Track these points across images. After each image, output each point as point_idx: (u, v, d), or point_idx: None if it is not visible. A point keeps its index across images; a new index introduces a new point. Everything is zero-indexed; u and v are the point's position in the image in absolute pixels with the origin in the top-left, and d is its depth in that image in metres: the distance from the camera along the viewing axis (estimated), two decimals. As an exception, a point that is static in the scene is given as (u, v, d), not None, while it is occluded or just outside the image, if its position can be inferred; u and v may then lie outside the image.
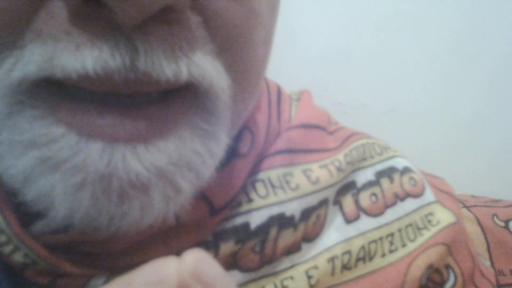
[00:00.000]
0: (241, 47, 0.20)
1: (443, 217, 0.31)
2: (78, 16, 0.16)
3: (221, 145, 0.20)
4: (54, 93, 0.17)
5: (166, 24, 0.17)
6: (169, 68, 0.17)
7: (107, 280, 0.23)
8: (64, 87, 0.17)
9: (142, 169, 0.17)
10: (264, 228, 0.25)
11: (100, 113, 0.17)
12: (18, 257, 0.22)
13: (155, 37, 0.16)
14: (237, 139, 0.26)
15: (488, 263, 0.36)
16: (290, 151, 0.28)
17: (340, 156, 0.30)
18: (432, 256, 0.29)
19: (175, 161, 0.18)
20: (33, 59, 0.16)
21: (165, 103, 0.18)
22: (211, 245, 0.24)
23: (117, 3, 0.15)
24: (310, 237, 0.27)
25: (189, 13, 0.17)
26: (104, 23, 0.16)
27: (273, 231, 0.26)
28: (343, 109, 0.67)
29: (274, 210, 0.26)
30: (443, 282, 0.29)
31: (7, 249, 0.23)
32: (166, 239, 0.24)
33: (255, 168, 0.27)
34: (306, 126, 0.30)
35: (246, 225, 0.25)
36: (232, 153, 0.25)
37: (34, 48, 0.16)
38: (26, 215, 0.22)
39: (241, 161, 0.26)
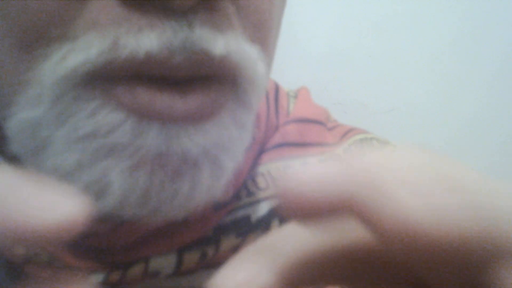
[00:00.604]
0: (266, 35, 0.21)
1: None
2: (132, 6, 0.16)
3: (249, 134, 0.22)
4: (111, 80, 0.17)
5: (210, 10, 0.18)
6: (221, 40, 0.17)
7: (107, 276, 0.23)
8: (119, 76, 0.17)
9: (193, 147, 0.18)
10: (265, 221, 0.25)
11: (160, 93, 0.17)
12: (20, 249, 0.22)
13: (204, 18, 0.17)
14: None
15: None
16: (289, 144, 0.28)
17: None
18: None
19: (217, 142, 0.19)
20: (92, 45, 0.16)
21: (213, 91, 0.19)
22: (212, 239, 0.24)
23: None
24: None
25: (226, 2, 0.18)
26: (160, 7, 0.17)
27: (275, 224, 0.25)
28: (343, 109, 0.67)
29: (275, 202, 0.25)
30: None
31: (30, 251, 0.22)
32: (169, 234, 0.24)
33: (255, 162, 0.27)
34: (305, 121, 0.30)
35: (246, 218, 0.25)
36: None
37: (92, 37, 0.16)
38: None
39: (245, 155, 0.26)
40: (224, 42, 0.18)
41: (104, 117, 0.17)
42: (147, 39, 0.16)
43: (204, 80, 0.18)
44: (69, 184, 0.16)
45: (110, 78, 0.17)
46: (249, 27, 0.20)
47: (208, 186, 0.19)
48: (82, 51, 0.16)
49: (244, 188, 0.26)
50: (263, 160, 0.27)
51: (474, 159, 0.69)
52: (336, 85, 0.67)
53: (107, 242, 0.23)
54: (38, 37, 0.17)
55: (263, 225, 0.25)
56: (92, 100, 0.17)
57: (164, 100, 0.17)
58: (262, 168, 0.27)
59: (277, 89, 0.32)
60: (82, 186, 0.18)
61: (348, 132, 0.32)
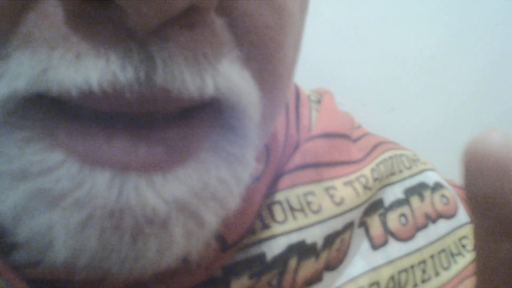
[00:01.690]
0: (271, 52, 0.17)
1: None
2: (78, 17, 0.13)
3: (248, 170, 0.18)
4: (50, 111, 0.14)
5: (188, 27, 0.13)
6: (192, 82, 0.14)
7: None
8: (62, 104, 0.14)
9: (160, 202, 0.14)
10: (282, 259, 0.22)
11: (107, 137, 0.14)
12: None
13: (175, 44, 0.13)
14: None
15: None
16: (311, 165, 0.25)
17: (367, 171, 0.26)
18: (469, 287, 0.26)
19: (198, 191, 0.15)
20: (21, 71, 0.13)
21: (185, 122, 0.15)
22: (220, 282, 0.21)
23: (131, 2, 0.12)
24: (332, 265, 0.24)
25: (214, 14, 0.14)
26: (111, 26, 0.13)
27: (293, 262, 0.22)
28: (343, 109, 0.66)
29: (294, 238, 0.22)
30: None
31: None
32: (168, 278, 0.20)
33: (272, 188, 0.24)
34: (329, 136, 0.26)
35: (261, 257, 0.22)
36: None
37: (23, 57, 0.13)
38: (5, 243, 0.18)
39: (256, 185, 0.22)
40: (199, 82, 0.14)
41: (37, 153, 0.14)
42: (84, 70, 0.12)
43: (172, 116, 0.15)
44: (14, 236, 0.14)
45: (47, 109, 0.14)
46: (246, 44, 0.16)
47: (181, 247, 0.16)
48: (11, 78, 0.13)
49: (259, 219, 0.22)
50: (281, 185, 0.24)
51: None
52: (336, 85, 0.66)
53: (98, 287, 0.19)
54: None
55: (280, 264, 0.22)
56: (24, 130, 0.14)
57: (114, 144, 0.14)
58: (280, 196, 0.23)
59: (297, 95, 0.28)
60: (26, 238, 0.15)
61: (376, 146, 0.29)
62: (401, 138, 0.66)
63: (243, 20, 0.15)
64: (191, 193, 0.15)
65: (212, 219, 0.16)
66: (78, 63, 0.13)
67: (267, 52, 0.16)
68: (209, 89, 0.14)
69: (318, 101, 0.30)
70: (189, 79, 0.13)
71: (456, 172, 0.67)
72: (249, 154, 0.17)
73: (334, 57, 0.66)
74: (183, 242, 0.15)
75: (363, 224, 0.26)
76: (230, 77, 0.15)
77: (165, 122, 0.15)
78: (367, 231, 0.26)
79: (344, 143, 0.27)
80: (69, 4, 0.13)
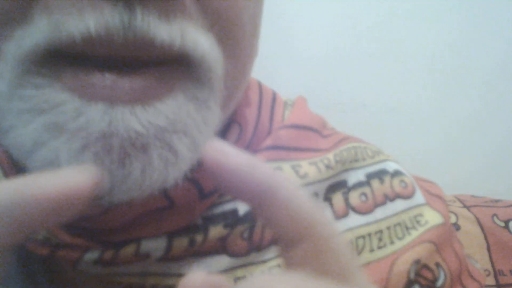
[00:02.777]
0: (231, 22, 0.21)
1: (432, 218, 0.32)
2: None
3: (215, 115, 0.21)
4: (60, 61, 0.18)
5: None
6: (164, 29, 0.18)
7: (101, 254, 0.24)
8: (68, 56, 0.18)
9: (141, 127, 0.18)
10: (252, 215, 0.26)
11: (101, 74, 0.18)
12: None
13: (151, 3, 0.18)
14: (224, 130, 0.27)
15: (478, 265, 0.36)
16: (280, 147, 0.29)
17: (330, 155, 0.30)
18: (419, 252, 0.29)
19: (171, 123, 0.19)
20: (40, 29, 0.17)
21: (160, 68, 0.19)
22: (201, 227, 0.25)
23: None
24: None
25: None
26: None
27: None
28: (343, 109, 0.67)
29: None
30: (435, 279, 0.30)
31: None
32: (157, 219, 0.24)
33: None
34: (298, 127, 0.30)
35: (234, 211, 0.26)
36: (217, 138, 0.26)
37: (41, 19, 0.17)
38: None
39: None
40: (169, 30, 0.18)
41: (48, 94, 0.18)
42: (84, 20, 0.17)
43: (150, 62, 0.19)
44: (30, 164, 0.19)
45: (57, 60, 0.18)
46: (209, 15, 0.20)
47: (161, 171, 0.19)
48: (33, 34, 0.17)
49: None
50: None
51: (473, 158, 0.69)
52: (336, 85, 0.67)
53: (99, 223, 0.24)
54: (1, 20, 0.18)
55: (250, 219, 0.26)
56: (41, 77, 0.18)
57: (107, 80, 0.18)
58: None
59: (274, 98, 0.33)
60: (37, 166, 0.18)
61: (342, 139, 0.33)
62: (401, 138, 0.66)
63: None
64: (166, 123, 0.19)
65: (184, 151, 0.20)
66: (80, 15, 0.17)
67: (227, 21, 0.21)
68: (177, 39, 0.18)
69: (292, 105, 0.34)
70: (161, 27, 0.18)
71: (456, 170, 0.67)
72: (214, 102, 0.21)
73: (334, 57, 0.66)
74: (161, 167, 0.19)
75: (327, 199, 0.30)
76: (195, 35, 0.19)
77: (145, 66, 0.19)
78: (331, 205, 0.30)
79: (313, 135, 0.31)
80: None
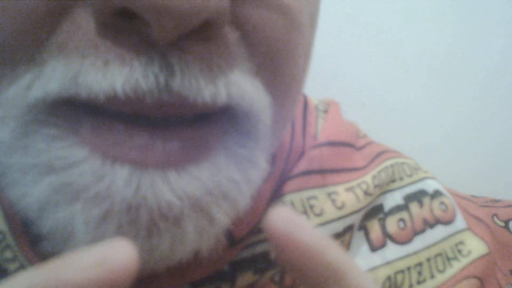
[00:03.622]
0: (282, 63, 0.18)
1: (475, 247, 0.29)
2: (107, 29, 0.14)
3: (259, 171, 0.19)
4: (76, 111, 0.15)
5: (203, 40, 0.15)
6: (207, 89, 0.15)
7: None
8: (87, 106, 0.15)
9: (174, 198, 0.15)
10: None
11: (128, 134, 0.15)
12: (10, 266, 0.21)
13: (191, 55, 0.15)
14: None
15: None
16: (315, 171, 0.26)
17: (368, 178, 0.27)
18: None
19: (209, 190, 0.16)
20: (55, 76, 0.14)
21: (199, 125, 0.16)
22: (227, 275, 0.23)
23: (154, 16, 0.13)
24: None
25: (227, 28, 0.16)
26: (136, 37, 0.14)
27: None
28: (343, 109, 0.67)
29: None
30: None
31: (12, 266, 0.21)
32: (181, 269, 0.22)
33: (277, 191, 0.25)
34: (333, 144, 0.28)
35: (265, 254, 0.23)
36: None
37: (57, 64, 0.14)
38: (36, 233, 0.20)
39: (263, 186, 0.23)
40: (213, 90, 0.15)
41: (62, 149, 0.15)
42: (111, 76, 0.14)
43: (187, 118, 0.16)
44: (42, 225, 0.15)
45: (73, 108, 0.15)
46: (257, 55, 0.17)
47: (192, 243, 0.17)
48: (45, 81, 0.15)
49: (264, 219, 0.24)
50: (286, 189, 0.25)
51: (473, 158, 0.69)
52: (336, 85, 0.66)
53: None
54: (5, 58, 0.15)
55: None
56: (52, 127, 0.15)
57: (135, 140, 0.15)
58: (285, 199, 0.25)
59: (305, 104, 0.30)
60: (47, 229, 0.16)
61: (379, 154, 0.30)
62: (401, 138, 0.66)
63: (255, 34, 0.17)
64: (203, 191, 0.16)
65: (222, 218, 0.17)
66: (106, 69, 0.14)
67: (277, 63, 0.18)
68: (222, 96, 0.15)
69: (325, 111, 0.31)
70: (204, 87, 0.15)
71: (456, 170, 0.67)
72: (260, 157, 0.18)
73: (334, 57, 0.66)
74: (194, 238, 0.16)
75: (363, 227, 0.27)
76: (242, 85, 0.16)
77: (181, 124, 0.16)
78: (366, 234, 0.27)
79: (348, 151, 0.28)
80: (101, 17, 0.14)
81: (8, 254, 0.21)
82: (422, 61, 0.67)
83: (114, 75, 0.14)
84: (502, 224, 0.39)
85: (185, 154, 0.16)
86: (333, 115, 0.30)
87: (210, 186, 0.16)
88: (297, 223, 0.12)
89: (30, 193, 0.15)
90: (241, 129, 0.17)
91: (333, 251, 0.13)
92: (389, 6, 0.66)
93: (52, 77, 0.14)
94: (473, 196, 0.44)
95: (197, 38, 0.15)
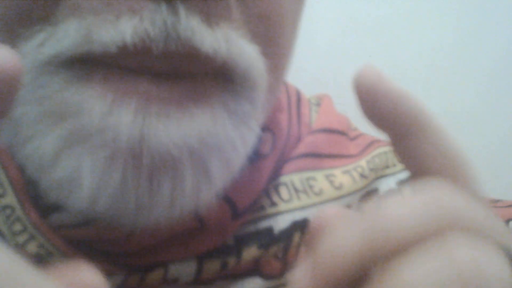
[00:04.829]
0: (274, 30, 0.19)
1: None
2: None
3: (253, 134, 0.19)
4: (88, 63, 0.16)
5: None
6: (208, 37, 0.16)
7: (125, 279, 0.22)
8: (99, 61, 0.16)
9: (173, 145, 0.16)
10: (287, 234, 0.24)
11: (136, 79, 0.16)
12: (32, 247, 0.22)
13: (194, 6, 0.15)
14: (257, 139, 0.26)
15: None
16: (313, 155, 0.27)
17: (363, 162, 0.29)
18: None
19: (206, 139, 0.17)
20: (68, 35, 0.15)
21: (200, 79, 0.17)
22: (233, 249, 0.23)
23: None
24: None
25: None
26: None
27: (296, 237, 0.25)
28: (343, 109, 0.67)
29: (297, 215, 0.25)
30: None
31: (21, 238, 0.22)
32: (186, 240, 0.23)
33: (277, 171, 0.26)
34: (328, 131, 0.29)
35: (269, 230, 0.24)
36: (253, 153, 0.23)
37: (71, 24, 0.15)
38: (45, 206, 0.22)
39: (263, 162, 0.25)
40: (214, 38, 0.16)
41: (73, 97, 0.16)
42: (121, 29, 0.15)
43: (189, 74, 0.17)
44: (46, 176, 0.16)
45: (85, 62, 0.16)
46: (252, 18, 0.18)
47: (192, 193, 0.17)
48: (58, 40, 0.15)
49: (267, 197, 0.25)
50: (286, 170, 0.26)
51: (472, 158, 0.68)
52: (336, 85, 0.66)
53: (122, 246, 0.22)
54: (20, 18, 0.16)
55: (285, 238, 0.24)
56: (65, 73, 0.16)
57: (141, 86, 0.16)
58: (285, 179, 0.26)
59: (299, 97, 0.31)
60: (56, 179, 0.17)
61: (371, 143, 0.31)
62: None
63: (252, 1, 0.18)
64: (199, 140, 0.17)
65: (218, 172, 0.18)
66: (117, 22, 0.15)
67: (270, 30, 0.19)
68: (222, 48, 0.16)
69: (318, 104, 0.32)
70: (206, 35, 0.16)
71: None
72: (254, 119, 0.19)
73: (334, 57, 0.66)
74: (192, 189, 0.17)
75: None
76: (240, 44, 0.17)
77: (185, 78, 0.17)
78: None
79: (342, 139, 0.30)
80: None
81: (17, 227, 0.22)
82: (422, 61, 0.67)
83: (125, 26, 0.15)
84: (502, 224, 0.39)
85: (186, 98, 0.16)
86: (326, 106, 0.32)
87: (206, 135, 0.17)
88: (384, 77, 0.13)
89: (43, 144, 0.16)
90: (237, 89, 0.18)
91: (417, 104, 0.13)
92: (389, 6, 0.66)
93: (66, 36, 0.15)
94: (473, 196, 0.44)
95: None
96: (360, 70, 0.13)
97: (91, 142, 0.16)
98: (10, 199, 0.23)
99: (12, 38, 0.16)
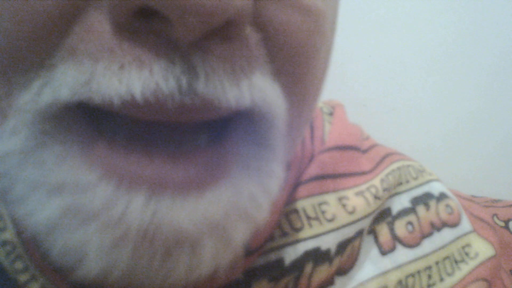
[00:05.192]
0: (302, 68, 0.17)
1: (481, 249, 0.29)
2: (124, 30, 0.14)
3: (277, 181, 0.18)
4: (89, 125, 0.15)
5: (225, 41, 0.14)
6: (231, 92, 0.14)
7: None
8: (101, 118, 0.15)
9: (192, 224, 0.14)
10: (298, 264, 0.23)
11: (145, 153, 0.14)
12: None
13: (214, 56, 0.14)
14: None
15: None
16: (325, 176, 0.26)
17: (377, 181, 0.28)
18: None
19: (228, 212, 0.15)
20: (66, 81, 0.14)
21: (217, 143, 0.16)
22: (242, 284, 0.22)
23: (178, 14, 0.12)
24: (344, 270, 0.25)
25: (249, 29, 0.15)
26: (154, 38, 0.13)
27: (308, 267, 0.24)
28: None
29: (310, 245, 0.24)
30: None
31: (23, 277, 0.21)
32: (196, 282, 0.20)
33: (289, 197, 0.25)
34: (341, 148, 0.28)
35: (280, 261, 0.23)
36: None
37: (67, 68, 0.14)
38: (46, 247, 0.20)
39: (279, 194, 0.23)
40: (238, 93, 0.14)
41: (72, 171, 0.14)
42: (127, 80, 0.13)
43: (204, 136, 0.15)
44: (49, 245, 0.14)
45: (86, 122, 0.15)
46: (278, 59, 0.16)
47: (211, 265, 0.16)
48: (55, 87, 0.14)
49: (278, 227, 0.24)
50: (298, 195, 0.25)
51: (473, 159, 0.69)
52: (336, 85, 0.66)
53: None
54: (15, 63, 0.14)
55: (297, 269, 0.23)
56: (63, 145, 0.14)
57: (154, 163, 0.14)
58: (297, 205, 0.25)
59: None
60: (58, 251, 0.15)
61: (384, 157, 0.30)
62: (401, 138, 0.66)
63: (277, 36, 0.16)
64: (222, 214, 0.15)
65: (241, 238, 0.17)
66: (121, 73, 0.13)
67: (298, 67, 0.17)
68: (246, 99, 0.15)
69: (330, 113, 0.31)
70: (229, 89, 0.14)
71: (456, 170, 0.67)
72: (277, 166, 0.18)
73: (334, 57, 0.66)
74: (211, 262, 0.16)
75: (372, 231, 0.27)
76: (264, 88, 0.16)
77: (196, 146, 0.15)
78: (376, 238, 0.27)
79: (355, 155, 0.29)
80: (118, 17, 0.13)
81: (19, 264, 0.21)
82: (422, 61, 0.67)
83: (131, 79, 0.13)
84: (502, 224, 0.39)
85: (204, 176, 0.15)
86: (339, 118, 0.31)
87: (229, 208, 0.16)
88: None
89: (39, 212, 0.15)
90: (256, 137, 0.17)
91: None
92: (389, 6, 0.66)
93: (63, 82, 0.14)
94: (473, 196, 0.44)
95: (219, 39, 0.14)
96: None
97: (96, 222, 0.14)
98: (11, 235, 0.21)
99: (8, 86, 0.15)
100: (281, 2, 0.16)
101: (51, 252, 0.16)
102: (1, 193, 0.16)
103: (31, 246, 0.21)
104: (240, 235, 0.16)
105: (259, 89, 0.15)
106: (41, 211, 0.15)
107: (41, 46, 0.14)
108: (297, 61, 0.17)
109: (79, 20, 0.14)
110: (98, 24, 0.14)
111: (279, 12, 0.16)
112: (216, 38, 0.14)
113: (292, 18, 0.16)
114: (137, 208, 0.14)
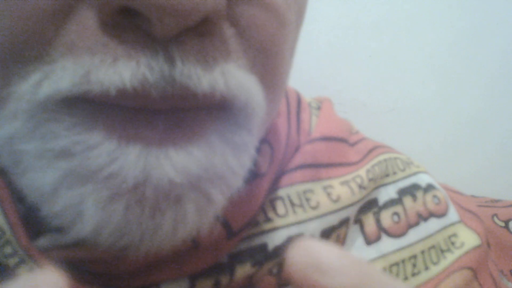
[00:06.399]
0: (273, 59, 0.19)
1: (467, 238, 0.30)
2: (112, 27, 0.15)
3: (250, 157, 0.20)
4: (89, 106, 0.16)
5: (200, 35, 0.16)
6: (205, 77, 0.16)
7: None
8: (98, 103, 0.16)
9: (175, 174, 0.16)
10: (282, 250, 0.24)
11: (137, 118, 0.16)
12: (23, 271, 0.21)
13: (190, 48, 0.16)
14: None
15: (510, 284, 0.35)
16: (310, 166, 0.27)
17: (362, 172, 0.28)
18: (457, 281, 0.27)
19: (206, 169, 0.17)
20: (66, 74, 0.15)
21: (196, 111, 0.17)
22: (226, 267, 0.23)
23: (156, 15, 0.14)
24: None
25: (223, 24, 0.17)
26: (139, 33, 0.15)
27: None
28: (343, 109, 0.67)
29: (293, 231, 0.25)
30: None
31: (12, 261, 0.22)
32: (180, 261, 0.22)
33: (274, 185, 0.26)
34: (327, 139, 0.28)
35: (263, 246, 0.24)
36: (251, 172, 0.22)
37: (67, 62, 0.15)
38: (34, 227, 0.21)
39: (261, 179, 0.25)
40: (211, 77, 0.16)
41: (80, 134, 0.16)
42: (119, 72, 0.15)
43: (187, 110, 0.17)
44: (46, 208, 0.16)
45: (86, 104, 0.16)
46: (251, 51, 0.18)
47: (194, 222, 0.18)
48: (56, 80, 0.15)
49: (262, 212, 0.25)
50: (282, 182, 0.26)
51: (473, 159, 0.69)
52: (336, 85, 0.67)
53: (113, 267, 0.22)
54: (14, 56, 0.16)
55: (280, 253, 0.24)
56: (72, 117, 0.16)
57: (142, 122, 0.16)
58: (281, 192, 0.26)
59: (299, 101, 0.31)
60: (57, 211, 0.17)
61: (372, 150, 0.31)
62: (401, 138, 0.66)
63: (249, 30, 0.18)
64: (200, 169, 0.17)
65: (218, 197, 0.18)
66: (115, 65, 0.15)
67: (269, 58, 0.19)
68: (220, 84, 0.16)
69: (318, 108, 0.32)
70: (202, 75, 0.16)
71: (456, 170, 0.67)
72: (251, 144, 0.19)
73: (334, 57, 0.66)
74: (195, 218, 0.17)
75: (358, 221, 0.28)
76: (238, 77, 0.17)
77: (183, 114, 0.17)
78: (362, 228, 0.28)
79: (342, 146, 0.29)
80: (104, 16, 0.15)
81: (8, 249, 0.22)
82: (423, 61, 0.67)
83: (122, 70, 0.15)
84: (502, 224, 0.39)
85: (183, 133, 0.17)
86: (326, 111, 0.31)
87: (206, 165, 0.17)
88: (319, 267, 0.11)
89: (43, 177, 0.16)
90: (236, 121, 0.18)
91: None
92: (389, 6, 0.66)
93: (63, 75, 0.15)
94: (473, 196, 0.44)
95: (194, 33, 0.16)
96: (293, 252, 0.12)
97: (95, 178, 0.16)
98: (0, 221, 0.22)
99: (7, 76, 0.16)
100: (250, 0, 0.18)
101: (48, 216, 0.17)
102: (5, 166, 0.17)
103: (19, 230, 0.22)
104: (219, 195, 0.18)
105: (233, 77, 0.17)
106: (45, 175, 0.16)
107: (38, 40, 0.15)
108: (267, 53, 0.19)
109: (72, 17, 0.15)
110: (90, 21, 0.15)
111: (249, 8, 0.18)
112: (191, 33, 0.16)
113: (260, 14, 0.18)
114: (132, 161, 0.16)
